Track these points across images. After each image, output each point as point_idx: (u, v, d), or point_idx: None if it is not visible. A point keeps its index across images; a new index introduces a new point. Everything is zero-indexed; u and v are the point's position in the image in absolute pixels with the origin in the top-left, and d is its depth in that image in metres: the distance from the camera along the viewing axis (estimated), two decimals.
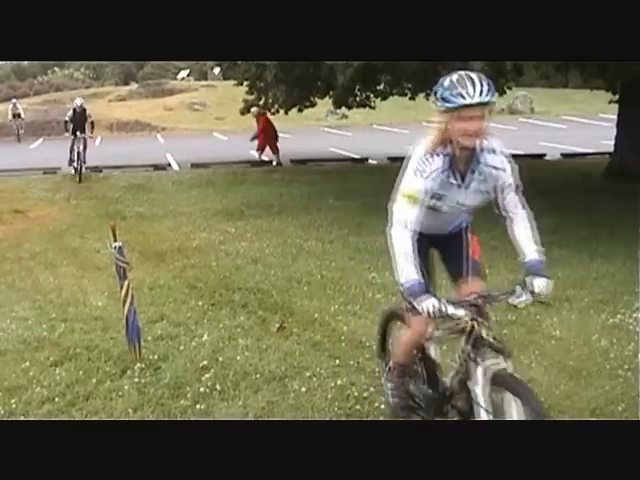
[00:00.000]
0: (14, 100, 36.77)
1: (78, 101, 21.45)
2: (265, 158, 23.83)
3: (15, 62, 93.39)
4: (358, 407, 5.87)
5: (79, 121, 20.88)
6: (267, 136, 23.66)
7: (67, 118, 21.05)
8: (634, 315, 7.84)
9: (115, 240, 6.85)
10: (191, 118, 42.79)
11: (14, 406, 6.03)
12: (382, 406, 5.85)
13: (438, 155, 4.35)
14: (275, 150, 23.61)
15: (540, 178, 18.51)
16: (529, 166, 21.33)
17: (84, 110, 20.99)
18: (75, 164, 20.56)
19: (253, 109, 24.31)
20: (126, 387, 6.33)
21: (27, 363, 6.93)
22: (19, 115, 35.56)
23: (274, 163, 23.40)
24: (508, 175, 4.61)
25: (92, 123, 21.40)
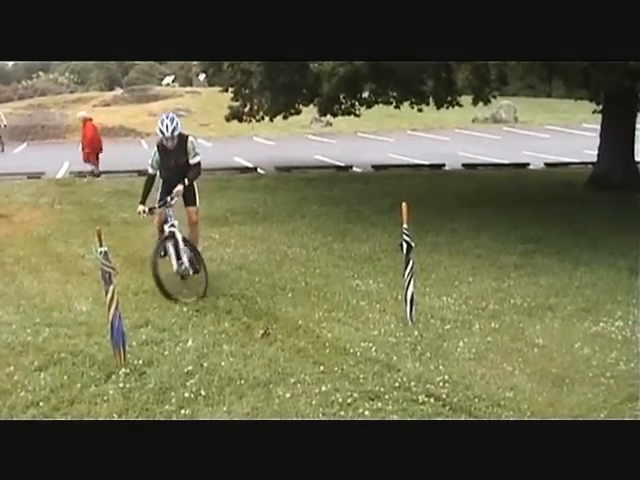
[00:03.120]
0: None
1: (167, 122, 9.42)
2: (93, 168, 22.33)
3: None
4: (342, 413, 5.90)
5: (175, 174, 9.63)
6: (92, 144, 22.37)
7: (151, 164, 9.77)
8: (616, 323, 7.90)
9: (101, 245, 6.86)
10: None
11: None
12: (367, 412, 5.89)
13: None
14: (96, 160, 22.41)
15: (523, 187, 18.63)
16: (513, 175, 21.58)
17: (183, 138, 9.74)
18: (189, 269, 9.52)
19: (79, 114, 23.70)
20: (111, 392, 6.34)
21: (11, 367, 6.92)
22: None
23: (94, 173, 22.03)
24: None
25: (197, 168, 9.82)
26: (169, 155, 9.66)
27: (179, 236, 9.46)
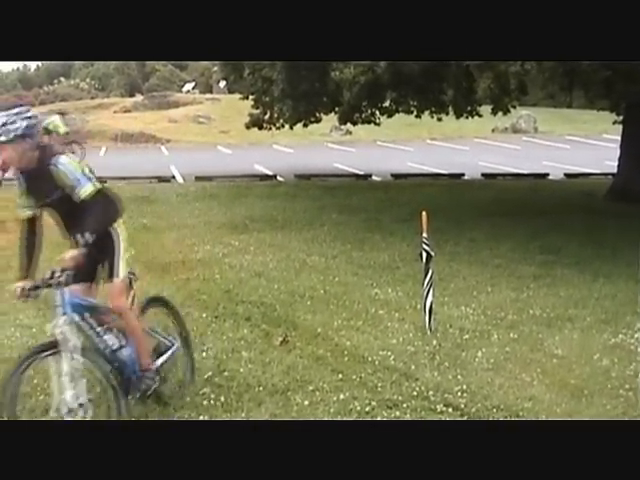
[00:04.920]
0: None
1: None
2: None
3: (21, 71, 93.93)
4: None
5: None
6: None
7: (18, 202, 5.75)
8: (636, 335, 7.86)
9: None
10: (196, 131, 42.82)
11: (18, 414, 6.04)
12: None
13: None
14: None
15: (543, 198, 18.59)
16: (532, 185, 21.52)
17: (45, 155, 5.48)
18: None
19: None
20: (130, 397, 6.35)
21: (31, 371, 6.94)
22: None
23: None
24: None
25: None
26: (35, 184, 5.58)
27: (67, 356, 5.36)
